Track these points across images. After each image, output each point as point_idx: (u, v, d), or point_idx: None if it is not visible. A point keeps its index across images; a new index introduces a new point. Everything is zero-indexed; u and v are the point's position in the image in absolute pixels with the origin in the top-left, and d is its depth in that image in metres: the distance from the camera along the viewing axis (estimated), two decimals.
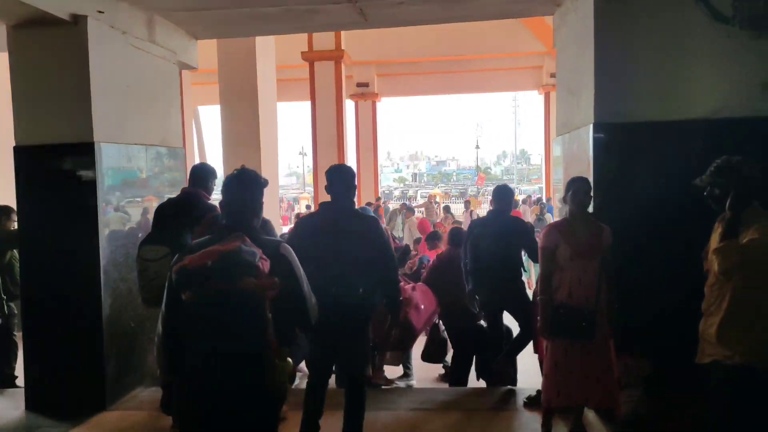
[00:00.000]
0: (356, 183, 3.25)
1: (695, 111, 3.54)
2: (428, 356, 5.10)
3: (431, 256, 5.98)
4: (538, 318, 3.31)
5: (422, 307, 4.55)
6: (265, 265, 1.94)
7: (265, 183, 2.24)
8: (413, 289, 4.63)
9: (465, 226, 12.98)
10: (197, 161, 16.42)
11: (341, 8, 4.45)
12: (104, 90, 3.82)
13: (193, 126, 13.51)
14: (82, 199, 3.78)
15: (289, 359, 2.09)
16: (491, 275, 4.12)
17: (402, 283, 4.29)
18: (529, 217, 12.74)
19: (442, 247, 6.00)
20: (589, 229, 3.27)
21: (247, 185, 2.18)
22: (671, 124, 3.53)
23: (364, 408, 3.20)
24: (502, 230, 4.16)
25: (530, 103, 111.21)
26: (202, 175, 3.68)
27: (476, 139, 56.07)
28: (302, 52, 11.82)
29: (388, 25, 5.22)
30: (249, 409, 1.94)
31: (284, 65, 15.92)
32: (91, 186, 3.75)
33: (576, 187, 3.25)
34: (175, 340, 2.02)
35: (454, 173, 68.12)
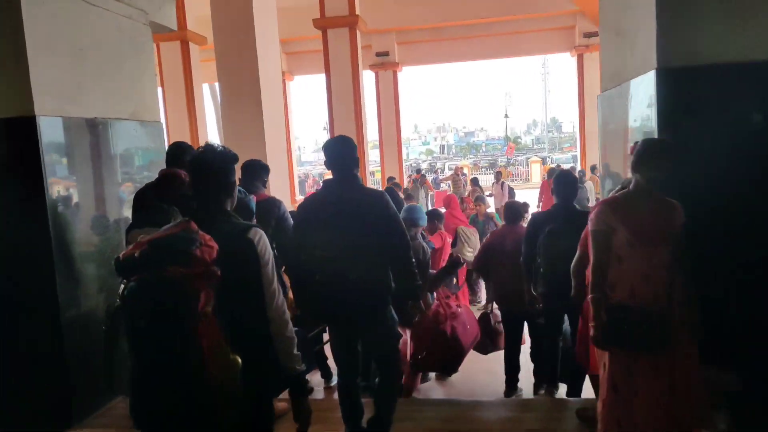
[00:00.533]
0: (357, 155, 2.96)
1: None
2: (483, 348, 4.40)
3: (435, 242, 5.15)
4: (591, 324, 2.55)
5: (468, 327, 3.94)
6: (208, 253, 1.75)
7: (234, 158, 2.05)
8: (458, 306, 4.01)
9: (497, 200, 12.25)
10: (218, 141, 15.93)
11: None
12: (47, 55, 3.16)
13: (204, 105, 12.87)
14: (26, 182, 3.15)
15: (237, 357, 1.82)
16: (567, 280, 3.33)
17: (448, 300, 3.84)
18: None
19: (442, 227, 5.20)
20: (656, 207, 2.48)
21: (215, 163, 2.00)
22: (762, 65, 2.68)
23: (396, 394, 3.03)
24: (578, 228, 3.29)
25: (561, 69, 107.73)
26: (178, 154, 3.36)
27: (505, 108, 54.28)
28: (314, 19, 10.99)
29: None
30: (188, 411, 1.74)
31: (300, 36, 15.26)
32: (35, 166, 3.11)
33: (650, 153, 2.44)
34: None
35: (483, 144, 66.64)
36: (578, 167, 15.80)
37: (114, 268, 1.75)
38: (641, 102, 3.01)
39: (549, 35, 16.77)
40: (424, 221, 4.08)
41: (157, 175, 3.52)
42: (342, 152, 2.88)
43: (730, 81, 2.71)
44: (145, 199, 3.20)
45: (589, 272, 2.60)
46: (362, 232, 2.74)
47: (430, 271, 3.72)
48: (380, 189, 3.31)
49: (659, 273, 2.41)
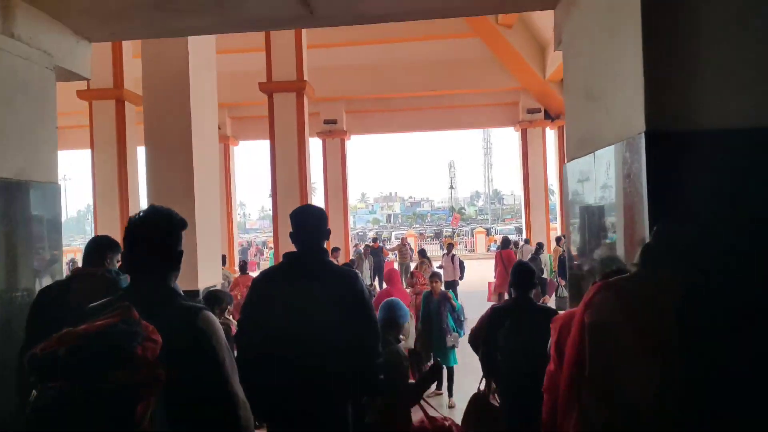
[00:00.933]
0: (327, 227, 2.72)
1: None
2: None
3: None
4: None
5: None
6: (151, 350, 1.47)
7: (184, 224, 1.82)
8: (445, 419, 3.44)
9: (448, 273, 11.76)
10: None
11: None
12: None
13: (138, 169, 12.06)
14: None
15: None
16: (531, 385, 2.87)
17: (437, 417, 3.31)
18: (524, 256, 11.52)
19: None
20: (655, 298, 2.04)
21: (160, 228, 1.77)
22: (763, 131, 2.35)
23: None
24: (537, 324, 3.06)
25: (502, 142, 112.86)
26: (96, 251, 2.85)
27: (450, 180, 55.63)
28: (260, 83, 10.64)
29: (339, 21, 4.01)
30: None
31: (247, 102, 14.91)
32: None
33: (680, 234, 2.09)
34: None
35: (429, 214, 67.73)
36: (524, 238, 15.82)
37: (27, 366, 1.40)
38: (623, 169, 2.62)
39: (493, 110, 17.20)
40: (406, 319, 3.53)
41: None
42: (316, 225, 2.65)
43: (729, 147, 2.36)
44: (44, 309, 2.67)
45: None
46: (326, 317, 2.41)
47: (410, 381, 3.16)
48: (350, 269, 2.91)
49: (655, 382, 1.94)
